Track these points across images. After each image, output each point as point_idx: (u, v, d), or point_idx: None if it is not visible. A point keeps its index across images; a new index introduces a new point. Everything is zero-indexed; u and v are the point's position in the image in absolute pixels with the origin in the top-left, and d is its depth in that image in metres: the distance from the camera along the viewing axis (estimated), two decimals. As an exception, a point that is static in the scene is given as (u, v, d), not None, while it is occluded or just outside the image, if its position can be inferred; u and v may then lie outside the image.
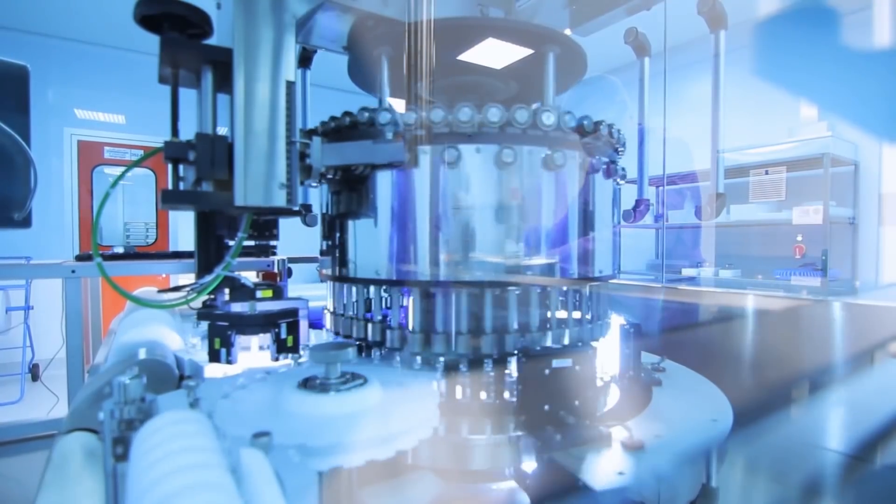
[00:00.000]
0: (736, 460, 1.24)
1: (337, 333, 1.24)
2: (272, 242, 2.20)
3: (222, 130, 1.01)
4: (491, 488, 0.84)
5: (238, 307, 1.17)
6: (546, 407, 0.91)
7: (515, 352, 0.99)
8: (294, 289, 1.66)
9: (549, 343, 1.07)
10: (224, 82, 1.00)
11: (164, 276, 4.01)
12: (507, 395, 0.99)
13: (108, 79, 5.67)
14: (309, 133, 1.16)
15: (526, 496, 0.81)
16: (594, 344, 1.16)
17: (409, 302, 1.12)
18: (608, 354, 1.23)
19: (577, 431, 0.90)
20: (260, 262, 2.27)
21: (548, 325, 1.10)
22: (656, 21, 1.95)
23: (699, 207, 1.29)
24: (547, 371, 0.92)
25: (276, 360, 1.17)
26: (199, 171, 0.96)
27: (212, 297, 1.22)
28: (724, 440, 0.97)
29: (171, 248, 4.42)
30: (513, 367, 0.99)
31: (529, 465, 0.86)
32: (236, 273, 1.22)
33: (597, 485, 0.76)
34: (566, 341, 1.10)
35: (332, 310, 1.28)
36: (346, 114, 1.12)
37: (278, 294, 1.28)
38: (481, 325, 1.05)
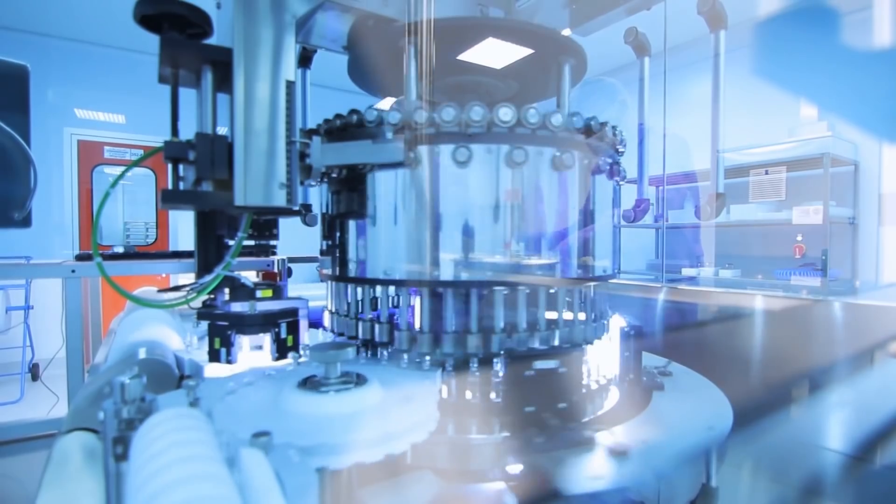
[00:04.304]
0: (736, 460, 1.24)
1: (337, 333, 1.24)
2: (272, 242, 2.20)
3: (222, 130, 1.01)
4: (479, 488, 0.84)
5: (238, 307, 1.17)
6: (530, 409, 0.90)
7: (501, 352, 0.98)
8: (294, 289, 1.66)
9: (536, 344, 1.05)
10: (224, 82, 1.00)
11: (164, 275, 4.02)
12: (493, 395, 0.99)
13: (108, 79, 5.68)
14: (309, 133, 1.16)
15: (513, 497, 0.80)
16: (589, 345, 1.14)
17: (410, 302, 1.12)
18: (607, 356, 1.22)
19: (560, 434, 0.89)
20: (260, 261, 2.27)
21: (536, 326, 1.08)
22: (656, 21, 1.95)
23: (699, 207, 1.29)
24: (530, 373, 0.91)
25: (276, 359, 1.17)
26: (199, 171, 0.96)
27: (212, 296, 1.22)
28: (721, 446, 0.95)
29: (171, 248, 4.43)
30: (499, 368, 0.99)
31: (515, 466, 0.86)
32: (236, 273, 1.22)
33: (569, 489, 0.75)
34: (556, 342, 1.08)
35: (332, 310, 1.28)
36: (346, 113, 1.12)
37: (278, 294, 1.28)
38: (480, 325, 1.05)
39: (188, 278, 1.76)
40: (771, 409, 1.86)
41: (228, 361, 1.12)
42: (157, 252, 3.13)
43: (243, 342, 1.20)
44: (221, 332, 1.12)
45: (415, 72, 1.08)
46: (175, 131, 1.06)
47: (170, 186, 1.02)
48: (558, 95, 1.25)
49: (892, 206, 4.21)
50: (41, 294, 4.54)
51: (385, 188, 1.08)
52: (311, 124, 1.23)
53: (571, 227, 1.11)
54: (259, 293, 1.25)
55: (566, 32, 1.46)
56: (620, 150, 1.27)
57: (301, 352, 1.17)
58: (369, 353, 1.17)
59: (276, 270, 2.30)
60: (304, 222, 1.43)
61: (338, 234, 1.20)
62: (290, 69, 0.99)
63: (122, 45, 5.61)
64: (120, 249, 2.71)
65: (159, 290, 1.45)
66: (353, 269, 1.16)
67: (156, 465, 0.46)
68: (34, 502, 0.64)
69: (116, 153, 4.40)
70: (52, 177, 4.42)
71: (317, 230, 1.34)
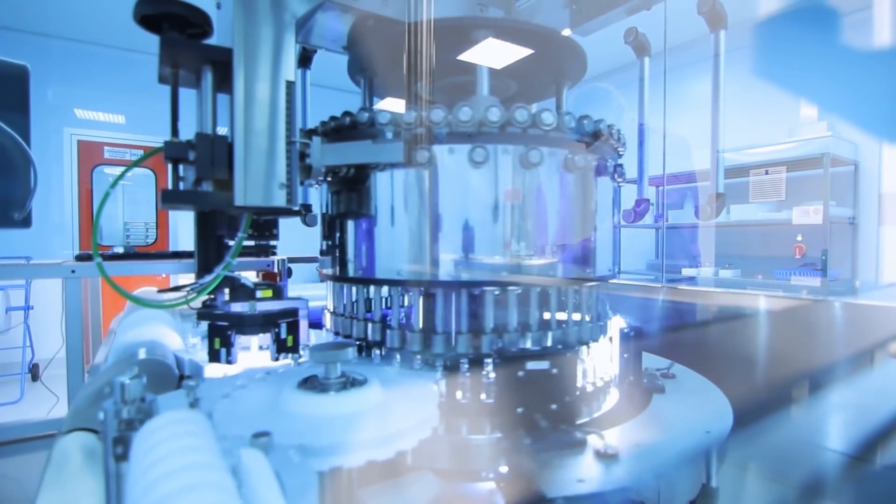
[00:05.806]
0: (736, 459, 1.24)
1: (337, 333, 1.24)
2: (272, 242, 2.20)
3: (222, 130, 1.01)
4: (469, 488, 0.83)
5: (238, 307, 1.17)
6: (519, 410, 0.90)
7: (492, 353, 0.98)
8: (294, 289, 1.66)
9: (528, 345, 1.05)
10: (224, 82, 1.00)
11: (164, 276, 4.01)
12: (483, 396, 0.99)
13: (108, 79, 5.67)
14: (309, 133, 1.16)
15: (501, 498, 0.80)
16: (585, 346, 1.14)
17: (409, 302, 1.12)
18: (605, 357, 1.22)
19: (550, 436, 0.89)
20: (260, 262, 2.27)
21: (528, 327, 1.07)
22: (656, 21, 1.95)
23: (699, 207, 1.29)
24: (520, 373, 0.90)
25: (276, 360, 1.17)
26: (199, 171, 0.96)
27: (212, 297, 1.22)
28: (722, 446, 0.95)
29: (171, 248, 4.43)
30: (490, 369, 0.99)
31: (502, 468, 0.85)
32: (236, 273, 1.22)
33: (552, 491, 0.74)
34: (548, 343, 1.07)
35: (332, 310, 1.28)
36: (346, 114, 1.12)
37: (278, 294, 1.28)
38: (480, 325, 1.05)
39: (188, 278, 1.75)
40: (771, 408, 1.86)
41: (228, 361, 1.12)
42: (157, 252, 3.13)
43: (243, 342, 1.19)
44: (221, 333, 1.12)
45: (415, 72, 1.08)
46: (175, 131, 1.06)
47: (170, 186, 1.02)
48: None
49: (892, 206, 4.21)
50: (41, 294, 4.53)
51: (385, 188, 1.08)
52: (311, 124, 1.23)
53: (571, 227, 1.11)
54: (259, 293, 1.25)
55: (566, 32, 1.46)
56: (620, 150, 1.27)
57: (301, 352, 1.17)
58: (369, 352, 1.17)
59: (276, 270, 2.30)
60: (304, 222, 1.43)
61: (338, 235, 1.20)
62: (290, 69, 0.99)
63: (122, 45, 5.60)
64: (120, 249, 2.71)
65: (159, 291, 1.45)
66: (352, 269, 1.16)
67: (156, 473, 0.46)
68: (34, 502, 0.64)
69: (116, 153, 4.40)
70: (52, 177, 4.42)
71: (317, 230, 1.34)
